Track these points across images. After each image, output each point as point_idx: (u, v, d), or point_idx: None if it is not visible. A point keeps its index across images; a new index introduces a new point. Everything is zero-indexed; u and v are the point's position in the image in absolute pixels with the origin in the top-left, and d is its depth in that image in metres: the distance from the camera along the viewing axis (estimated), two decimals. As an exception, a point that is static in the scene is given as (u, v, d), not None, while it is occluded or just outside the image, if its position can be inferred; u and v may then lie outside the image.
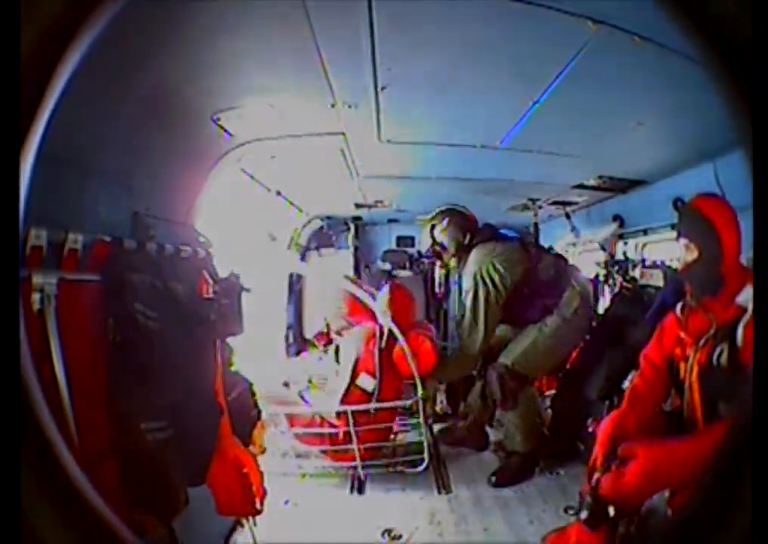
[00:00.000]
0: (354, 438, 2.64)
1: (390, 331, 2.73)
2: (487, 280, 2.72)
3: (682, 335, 1.76)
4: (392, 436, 2.92)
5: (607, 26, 1.23)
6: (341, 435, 2.69)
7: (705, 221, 1.67)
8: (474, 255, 2.82)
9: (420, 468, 2.70)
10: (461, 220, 3.01)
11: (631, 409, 1.80)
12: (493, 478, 2.71)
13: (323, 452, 2.76)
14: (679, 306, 1.83)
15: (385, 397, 2.75)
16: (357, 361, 2.80)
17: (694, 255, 1.71)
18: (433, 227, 3.04)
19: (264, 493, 1.84)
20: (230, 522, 2.12)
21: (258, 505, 1.79)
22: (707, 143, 2.07)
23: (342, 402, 2.73)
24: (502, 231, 3.06)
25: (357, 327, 3.02)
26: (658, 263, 3.22)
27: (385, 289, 3.00)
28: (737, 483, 0.53)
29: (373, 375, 2.75)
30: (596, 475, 1.61)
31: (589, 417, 2.66)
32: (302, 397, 2.98)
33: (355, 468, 2.71)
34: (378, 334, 2.79)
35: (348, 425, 2.65)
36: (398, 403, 2.79)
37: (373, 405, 2.71)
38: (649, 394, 1.86)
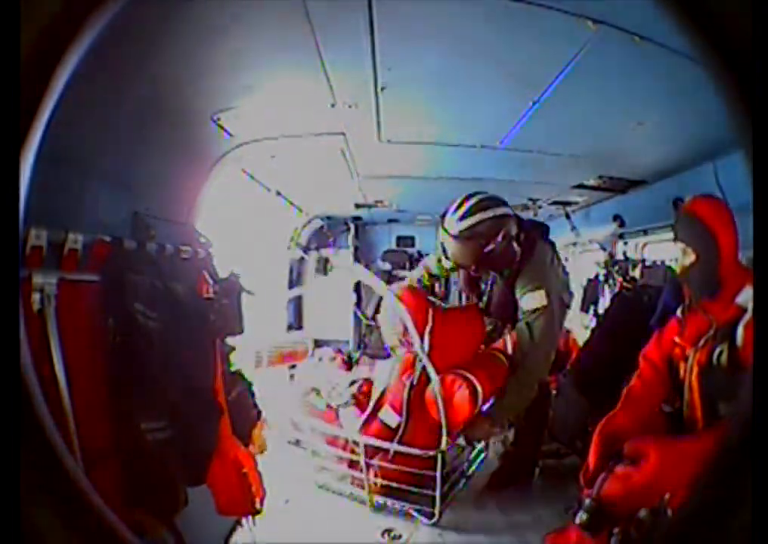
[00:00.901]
0: (365, 470, 2.40)
1: (424, 367, 2.29)
2: (557, 296, 2.38)
3: (678, 340, 1.76)
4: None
5: (607, 26, 1.23)
6: (361, 463, 2.44)
7: (702, 225, 1.66)
8: (537, 268, 2.41)
9: (429, 522, 2.33)
10: (511, 221, 2.40)
11: (627, 411, 1.79)
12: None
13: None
14: (680, 309, 1.82)
15: (412, 441, 2.35)
16: (384, 391, 2.47)
17: (691, 258, 1.70)
18: (486, 240, 2.31)
19: (264, 493, 1.84)
20: (230, 522, 2.12)
21: (257, 505, 1.79)
22: (707, 143, 2.07)
23: (361, 431, 2.47)
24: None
25: (401, 350, 2.58)
26: (658, 263, 3.22)
27: (430, 313, 2.41)
28: (737, 483, 0.53)
29: (398, 411, 2.38)
30: (600, 477, 1.57)
31: (589, 417, 2.66)
32: (337, 413, 2.76)
33: (364, 500, 2.46)
34: (417, 366, 2.37)
35: (360, 454, 2.41)
36: (414, 451, 2.31)
37: (387, 445, 2.38)
38: (647, 394, 1.84)
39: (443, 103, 1.88)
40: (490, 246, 2.31)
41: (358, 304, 4.91)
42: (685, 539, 0.58)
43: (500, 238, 2.32)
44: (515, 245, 2.41)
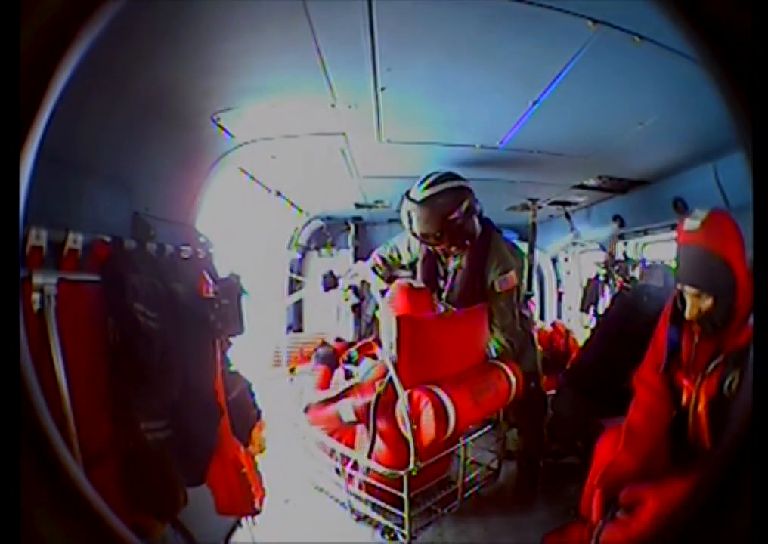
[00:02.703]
0: (344, 477, 2.25)
1: (391, 380, 2.03)
2: (518, 273, 2.57)
3: (685, 378, 1.60)
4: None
5: (607, 26, 1.23)
6: (340, 470, 2.31)
7: (723, 266, 1.44)
8: (501, 252, 2.54)
9: (401, 542, 2.16)
10: (472, 196, 2.48)
11: (630, 450, 1.62)
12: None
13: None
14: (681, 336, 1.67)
15: (379, 456, 2.12)
16: (354, 386, 2.26)
17: (708, 303, 1.51)
18: (451, 208, 2.39)
19: (264, 493, 1.85)
20: (230, 522, 2.12)
21: (257, 505, 1.79)
22: (707, 143, 2.07)
23: (309, 410, 2.34)
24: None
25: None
26: (658, 263, 3.22)
27: (392, 319, 2.09)
28: (737, 483, 0.53)
29: (358, 414, 2.17)
30: (598, 525, 1.49)
31: (589, 417, 2.66)
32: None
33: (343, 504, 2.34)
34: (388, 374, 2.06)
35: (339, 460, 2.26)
36: (375, 466, 2.09)
37: (357, 456, 2.20)
38: (650, 425, 1.66)
39: (443, 103, 1.87)
40: (455, 215, 2.40)
41: (360, 303, 4.90)
42: (686, 539, 0.58)
43: (463, 208, 2.42)
44: (476, 220, 2.51)
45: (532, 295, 4.03)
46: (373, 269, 2.97)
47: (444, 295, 2.65)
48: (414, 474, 1.97)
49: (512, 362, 2.44)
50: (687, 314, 1.58)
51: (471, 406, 2.07)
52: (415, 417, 1.96)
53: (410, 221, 2.46)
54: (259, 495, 1.81)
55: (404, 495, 2.03)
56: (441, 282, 2.68)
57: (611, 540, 1.44)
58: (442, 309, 2.59)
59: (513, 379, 2.34)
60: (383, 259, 2.99)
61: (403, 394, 1.97)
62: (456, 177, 2.47)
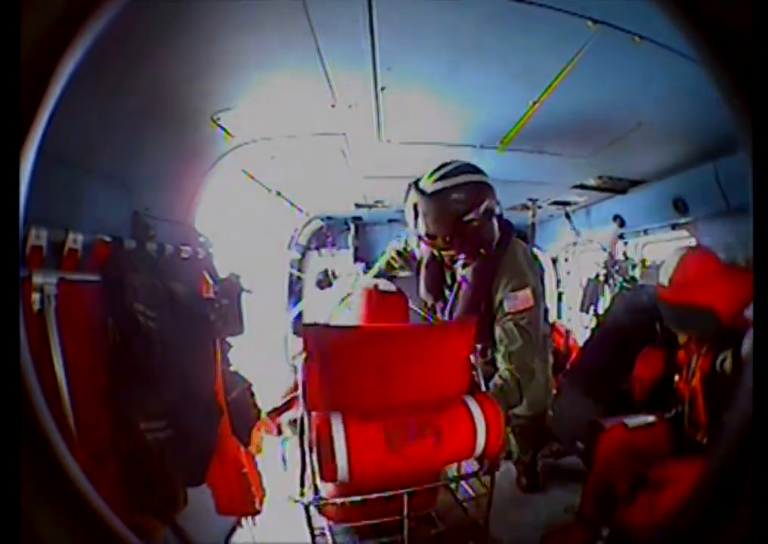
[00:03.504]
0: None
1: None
2: (539, 294, 2.07)
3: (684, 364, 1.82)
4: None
5: (607, 26, 1.23)
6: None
7: (699, 311, 1.64)
8: (517, 264, 2.07)
9: None
10: (493, 195, 2.02)
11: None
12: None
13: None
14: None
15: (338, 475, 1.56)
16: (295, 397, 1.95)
17: (694, 333, 1.75)
18: (467, 207, 1.94)
19: (264, 493, 1.84)
20: (230, 522, 2.12)
21: (257, 505, 1.79)
22: (707, 142, 2.07)
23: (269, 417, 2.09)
24: None
25: None
26: (658, 263, 3.22)
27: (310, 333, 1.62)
28: (737, 482, 0.53)
29: (295, 426, 1.80)
30: (621, 506, 1.56)
31: (589, 417, 2.66)
32: None
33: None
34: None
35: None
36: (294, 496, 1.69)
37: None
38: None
39: (443, 103, 1.88)
40: (471, 215, 1.95)
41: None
42: (686, 539, 0.58)
43: (481, 208, 1.96)
44: (495, 224, 2.05)
45: None
46: (388, 263, 2.64)
47: (447, 309, 2.23)
48: (318, 508, 1.64)
49: (495, 402, 1.66)
50: (681, 340, 1.81)
51: (380, 451, 1.47)
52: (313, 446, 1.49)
53: (416, 217, 2.02)
54: (259, 495, 1.81)
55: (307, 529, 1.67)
56: (447, 293, 2.26)
57: (636, 520, 1.46)
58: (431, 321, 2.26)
59: (482, 426, 1.57)
60: (399, 253, 2.62)
61: (305, 416, 1.53)
62: (477, 171, 2.02)
